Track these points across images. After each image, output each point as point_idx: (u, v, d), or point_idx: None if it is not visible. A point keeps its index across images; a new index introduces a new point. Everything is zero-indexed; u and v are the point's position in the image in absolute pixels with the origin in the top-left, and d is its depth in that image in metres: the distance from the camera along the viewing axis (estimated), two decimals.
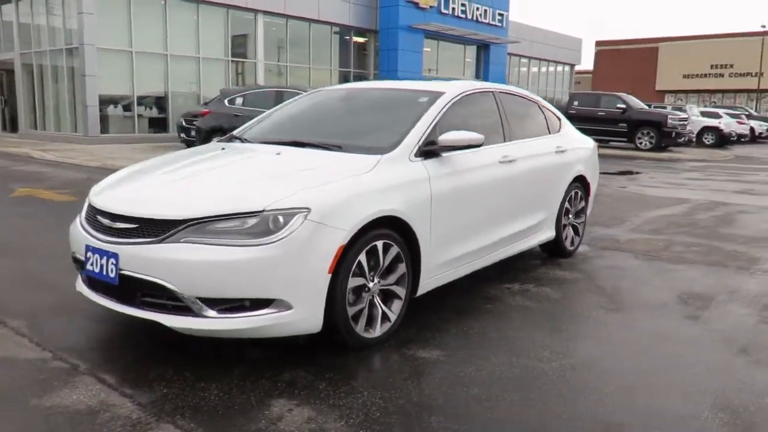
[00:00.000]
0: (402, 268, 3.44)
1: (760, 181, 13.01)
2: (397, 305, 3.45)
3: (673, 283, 4.78)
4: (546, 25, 33.88)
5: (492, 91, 4.69)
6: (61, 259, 4.45)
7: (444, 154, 3.80)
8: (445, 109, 4.03)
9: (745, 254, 5.84)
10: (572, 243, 5.55)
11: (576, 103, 20.92)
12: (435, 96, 4.14)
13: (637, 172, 13.85)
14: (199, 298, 2.84)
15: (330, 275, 2.99)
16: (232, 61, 20.15)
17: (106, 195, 3.35)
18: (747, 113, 31.73)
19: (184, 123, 14.02)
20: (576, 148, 5.55)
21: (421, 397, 2.80)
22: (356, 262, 3.12)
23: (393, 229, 3.35)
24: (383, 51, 23.28)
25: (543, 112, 5.35)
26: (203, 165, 3.76)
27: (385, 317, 3.38)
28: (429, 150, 3.73)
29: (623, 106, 20.01)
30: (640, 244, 6.14)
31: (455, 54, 26.67)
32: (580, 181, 5.56)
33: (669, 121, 19.51)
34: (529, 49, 31.20)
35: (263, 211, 2.88)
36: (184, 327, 2.91)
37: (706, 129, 24.72)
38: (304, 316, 2.95)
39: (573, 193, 5.42)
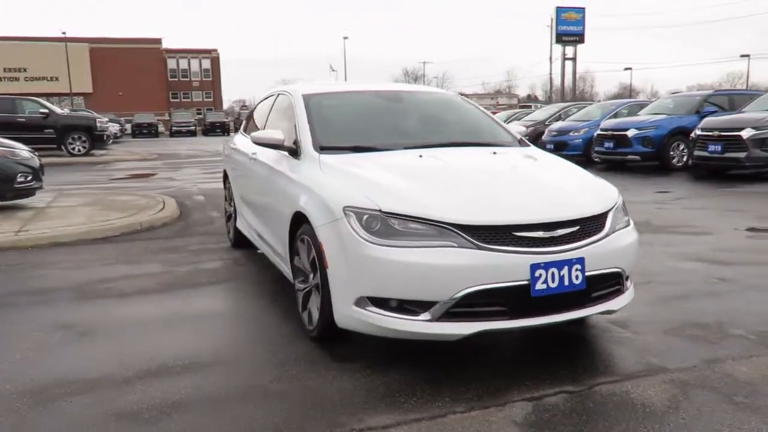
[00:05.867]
0: None
1: None
2: None
3: None
4: None
5: None
6: None
7: None
8: None
9: None
10: None
11: None
12: (460, 97, 4.96)
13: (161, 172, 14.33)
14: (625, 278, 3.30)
15: None
16: None
17: (506, 209, 3.01)
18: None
19: None
20: None
21: None
22: None
23: None
24: None
25: None
26: (481, 170, 3.55)
27: None
28: None
29: (46, 111, 18.81)
30: None
31: None
32: None
33: (98, 124, 19.72)
34: None
35: (616, 204, 3.41)
36: (622, 306, 3.27)
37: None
38: None
39: None
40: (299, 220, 3.60)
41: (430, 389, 2.90)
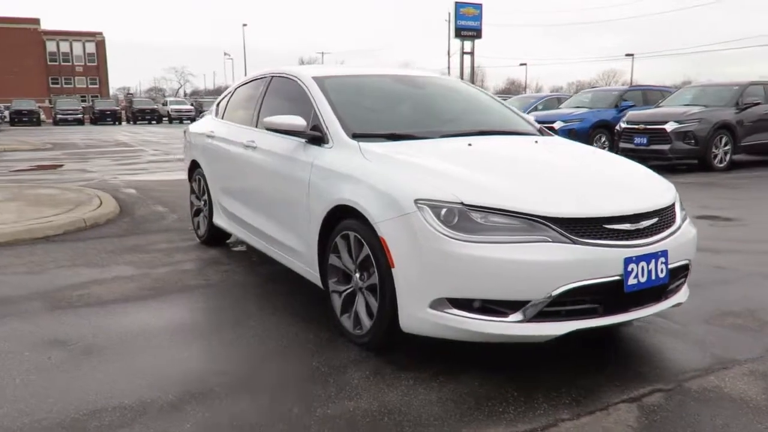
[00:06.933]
0: None
1: (153, 159, 14.62)
2: None
3: None
4: None
5: None
6: None
7: None
8: None
9: None
10: None
11: None
12: (472, 84, 4.76)
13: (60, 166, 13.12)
14: None
15: None
16: None
17: (593, 201, 2.85)
18: None
19: None
20: None
21: None
22: None
23: None
24: None
25: None
26: (540, 161, 3.42)
27: None
28: None
29: None
30: None
31: None
32: None
33: None
34: None
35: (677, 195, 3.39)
36: (686, 297, 3.22)
37: None
38: None
39: None
40: (338, 214, 3.26)
41: (520, 395, 2.69)
